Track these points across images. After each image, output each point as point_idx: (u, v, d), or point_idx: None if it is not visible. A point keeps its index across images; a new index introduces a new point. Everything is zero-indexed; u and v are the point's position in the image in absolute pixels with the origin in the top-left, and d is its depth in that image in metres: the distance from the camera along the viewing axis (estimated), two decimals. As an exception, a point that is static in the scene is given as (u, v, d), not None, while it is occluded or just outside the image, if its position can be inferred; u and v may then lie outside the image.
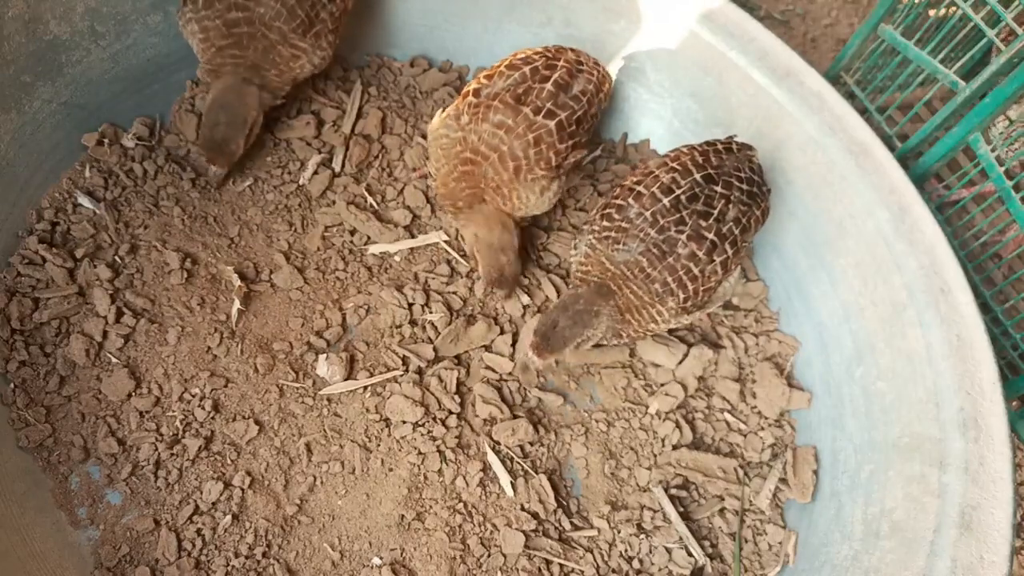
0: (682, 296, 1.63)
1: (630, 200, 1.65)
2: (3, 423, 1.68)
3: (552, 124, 1.71)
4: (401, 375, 1.82)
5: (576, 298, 1.65)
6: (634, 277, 1.63)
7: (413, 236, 2.03)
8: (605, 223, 1.67)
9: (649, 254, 1.61)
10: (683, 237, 1.60)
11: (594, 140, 2.28)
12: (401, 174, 2.11)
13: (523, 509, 1.72)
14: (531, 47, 1.85)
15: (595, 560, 1.69)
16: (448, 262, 1.99)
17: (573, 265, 1.76)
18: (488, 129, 1.71)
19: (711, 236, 1.61)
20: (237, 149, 1.89)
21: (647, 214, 1.62)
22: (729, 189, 1.66)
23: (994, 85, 1.96)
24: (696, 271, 1.61)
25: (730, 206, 1.65)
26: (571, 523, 1.73)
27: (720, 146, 1.75)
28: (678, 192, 1.63)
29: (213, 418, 1.74)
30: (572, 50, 1.86)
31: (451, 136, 1.76)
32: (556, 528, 1.72)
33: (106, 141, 2.00)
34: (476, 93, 1.75)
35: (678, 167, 1.67)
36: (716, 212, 1.62)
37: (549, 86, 1.74)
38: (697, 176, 1.65)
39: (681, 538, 1.73)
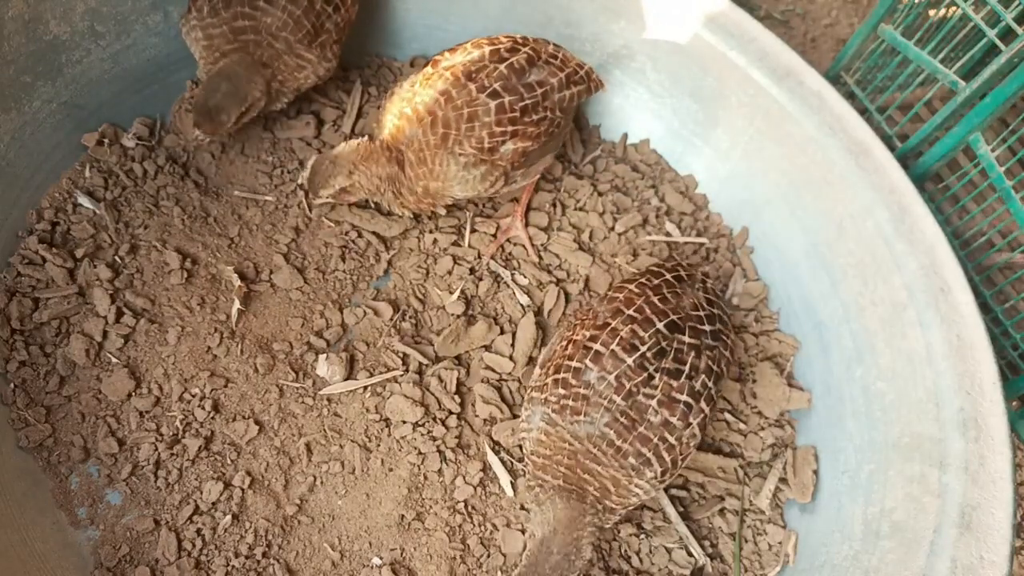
0: (659, 469, 1.42)
1: (587, 362, 1.43)
2: (3, 423, 1.68)
3: (493, 104, 1.68)
4: (401, 375, 1.82)
5: (546, 551, 1.39)
6: (603, 453, 1.41)
7: (419, 221, 2.04)
8: (561, 391, 1.44)
9: (617, 424, 1.39)
10: (653, 403, 1.40)
11: (589, 139, 2.28)
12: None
13: (523, 509, 1.72)
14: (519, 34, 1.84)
15: (595, 560, 1.69)
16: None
17: (527, 444, 1.51)
18: (431, 94, 1.71)
19: (684, 398, 1.42)
20: (227, 120, 1.83)
21: (611, 379, 1.41)
22: (697, 336, 1.47)
23: (994, 85, 1.96)
24: (672, 440, 1.41)
25: (701, 357, 1.46)
26: (571, 523, 1.73)
27: (669, 275, 1.57)
28: (643, 349, 1.42)
29: (213, 418, 1.73)
30: (555, 45, 1.84)
31: (401, 95, 1.77)
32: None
33: (106, 141, 2.00)
34: (435, 63, 1.77)
35: (636, 315, 1.47)
36: (687, 368, 1.43)
37: (502, 67, 1.71)
38: (660, 326, 1.46)
39: (681, 538, 1.73)
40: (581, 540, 1.42)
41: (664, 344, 1.45)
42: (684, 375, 1.43)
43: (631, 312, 1.48)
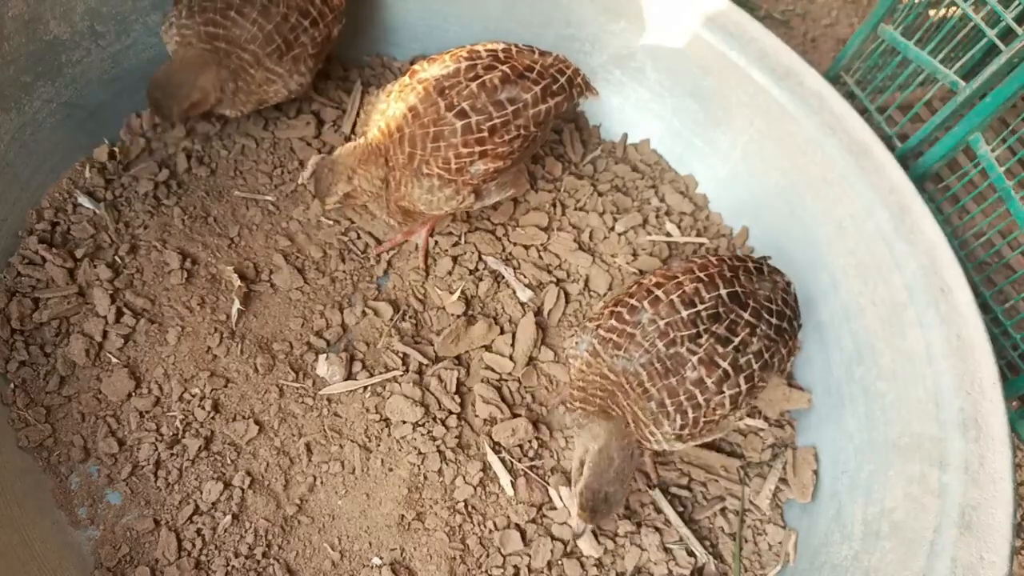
0: (679, 423, 1.45)
1: (645, 304, 1.49)
2: (3, 423, 1.68)
3: (459, 124, 1.61)
4: (401, 375, 1.82)
5: (607, 458, 1.45)
6: (632, 390, 1.46)
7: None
8: (613, 322, 1.50)
9: (651, 368, 1.44)
10: (694, 359, 1.44)
11: (593, 141, 2.28)
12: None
13: (523, 509, 1.71)
14: (501, 42, 1.78)
15: (596, 560, 1.69)
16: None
17: (571, 371, 1.58)
18: (401, 109, 1.66)
19: (724, 364, 1.45)
20: (170, 115, 1.84)
21: (660, 324, 1.46)
22: (757, 319, 1.50)
23: (994, 85, 1.96)
24: (701, 399, 1.44)
25: (754, 338, 1.49)
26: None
27: (751, 265, 1.61)
28: (700, 307, 1.47)
29: (213, 418, 1.73)
30: (539, 53, 1.76)
31: (378, 107, 1.73)
32: (557, 528, 1.72)
33: (106, 142, 2.01)
34: (412, 74, 1.71)
35: (704, 278, 1.52)
36: (737, 341, 1.47)
37: (473, 86, 1.63)
38: (723, 292, 1.50)
39: (682, 538, 1.73)
40: (632, 445, 1.47)
41: (721, 310, 1.49)
42: (732, 345, 1.46)
43: (701, 275, 1.53)
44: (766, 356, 1.50)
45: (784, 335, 1.55)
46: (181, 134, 2.08)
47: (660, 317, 1.47)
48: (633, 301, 1.51)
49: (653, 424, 1.46)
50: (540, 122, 1.72)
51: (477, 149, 1.65)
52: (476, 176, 1.70)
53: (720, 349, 1.46)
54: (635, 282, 1.59)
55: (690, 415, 1.45)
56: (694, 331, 1.46)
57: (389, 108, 1.69)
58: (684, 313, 1.47)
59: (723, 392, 1.46)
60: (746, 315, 1.50)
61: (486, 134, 1.64)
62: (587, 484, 1.46)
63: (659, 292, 1.50)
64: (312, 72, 1.97)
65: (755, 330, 1.50)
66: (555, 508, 1.73)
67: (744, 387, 1.48)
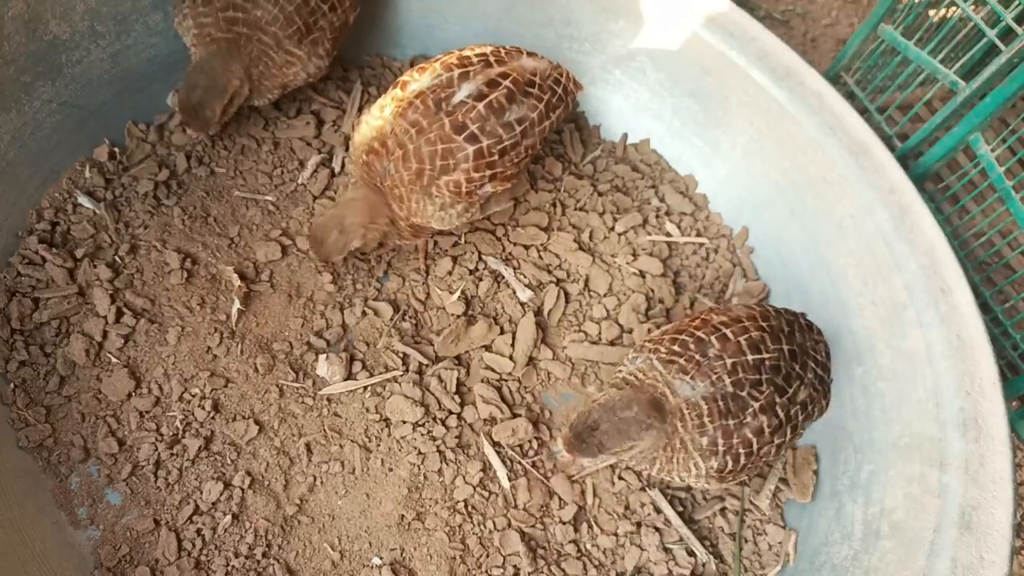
0: (729, 465, 1.44)
1: (713, 339, 1.48)
2: (3, 423, 1.68)
3: (471, 149, 1.60)
4: (401, 375, 1.82)
5: (628, 403, 1.42)
6: (688, 419, 1.44)
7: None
8: (676, 348, 1.48)
9: (712, 403, 1.42)
10: (755, 405, 1.44)
11: (590, 139, 2.28)
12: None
13: (523, 509, 1.71)
14: (488, 44, 1.76)
15: (596, 560, 1.69)
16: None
17: (620, 374, 1.56)
18: (402, 125, 1.62)
19: (781, 415, 1.47)
20: (212, 116, 1.83)
21: (727, 361, 1.45)
22: (805, 371, 1.55)
23: (994, 85, 1.96)
24: (755, 447, 1.45)
25: (802, 388, 1.53)
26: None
27: (803, 321, 1.65)
28: (765, 356, 1.48)
29: (213, 418, 1.73)
30: (528, 56, 1.74)
31: (371, 123, 1.69)
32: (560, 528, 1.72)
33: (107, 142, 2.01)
34: (404, 86, 1.68)
35: (768, 329, 1.53)
36: (791, 391, 1.50)
37: (481, 107, 1.60)
38: (785, 348, 1.53)
39: (682, 538, 1.73)
40: (653, 426, 1.42)
41: (781, 363, 1.51)
42: (787, 396, 1.49)
43: (764, 324, 1.54)
44: (809, 407, 1.55)
45: (823, 387, 1.60)
46: (184, 139, 2.08)
47: (727, 355, 1.46)
48: (700, 334, 1.49)
49: (700, 457, 1.45)
50: (545, 137, 1.74)
51: (488, 173, 1.65)
52: (484, 196, 1.72)
53: (778, 399, 1.47)
54: (696, 318, 1.56)
55: (742, 461, 1.45)
56: (757, 377, 1.46)
57: (386, 125, 1.65)
58: (751, 357, 1.47)
59: (773, 441, 1.48)
60: (797, 367, 1.53)
61: (496, 157, 1.64)
62: (592, 409, 1.43)
63: (728, 332, 1.49)
64: (330, 56, 1.97)
65: (803, 381, 1.54)
66: (555, 508, 1.73)
67: (788, 436, 1.51)
